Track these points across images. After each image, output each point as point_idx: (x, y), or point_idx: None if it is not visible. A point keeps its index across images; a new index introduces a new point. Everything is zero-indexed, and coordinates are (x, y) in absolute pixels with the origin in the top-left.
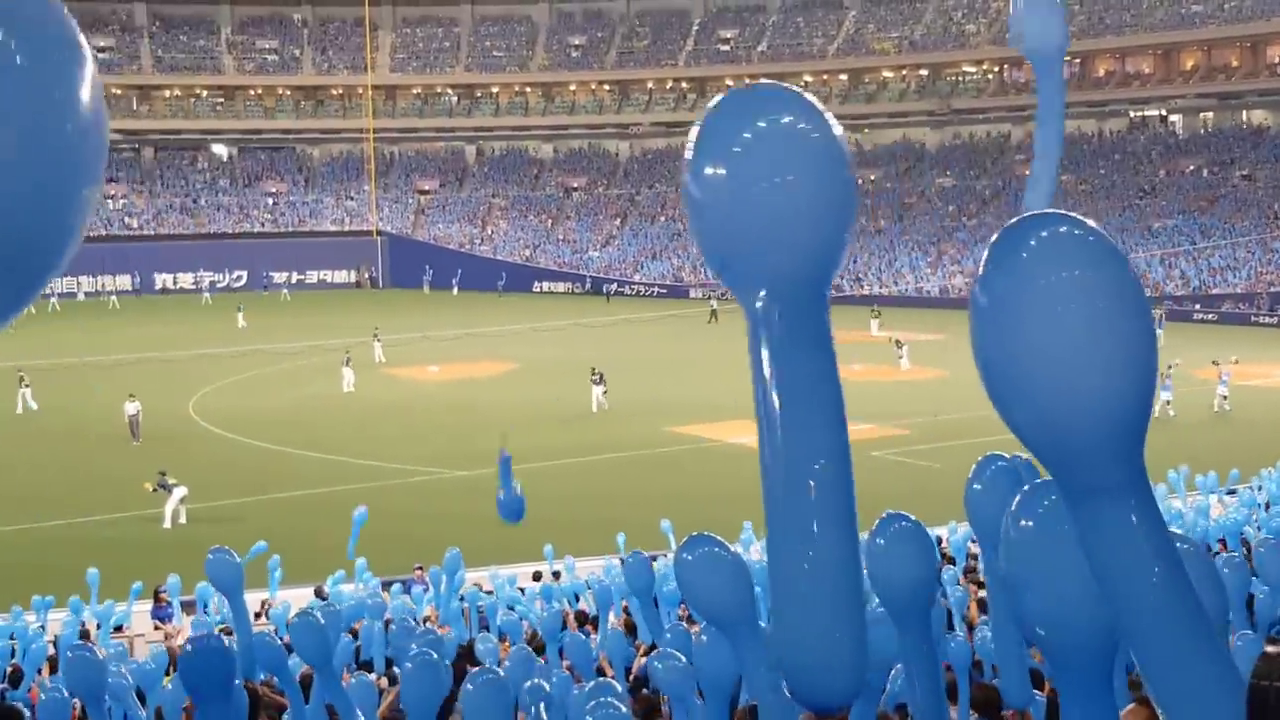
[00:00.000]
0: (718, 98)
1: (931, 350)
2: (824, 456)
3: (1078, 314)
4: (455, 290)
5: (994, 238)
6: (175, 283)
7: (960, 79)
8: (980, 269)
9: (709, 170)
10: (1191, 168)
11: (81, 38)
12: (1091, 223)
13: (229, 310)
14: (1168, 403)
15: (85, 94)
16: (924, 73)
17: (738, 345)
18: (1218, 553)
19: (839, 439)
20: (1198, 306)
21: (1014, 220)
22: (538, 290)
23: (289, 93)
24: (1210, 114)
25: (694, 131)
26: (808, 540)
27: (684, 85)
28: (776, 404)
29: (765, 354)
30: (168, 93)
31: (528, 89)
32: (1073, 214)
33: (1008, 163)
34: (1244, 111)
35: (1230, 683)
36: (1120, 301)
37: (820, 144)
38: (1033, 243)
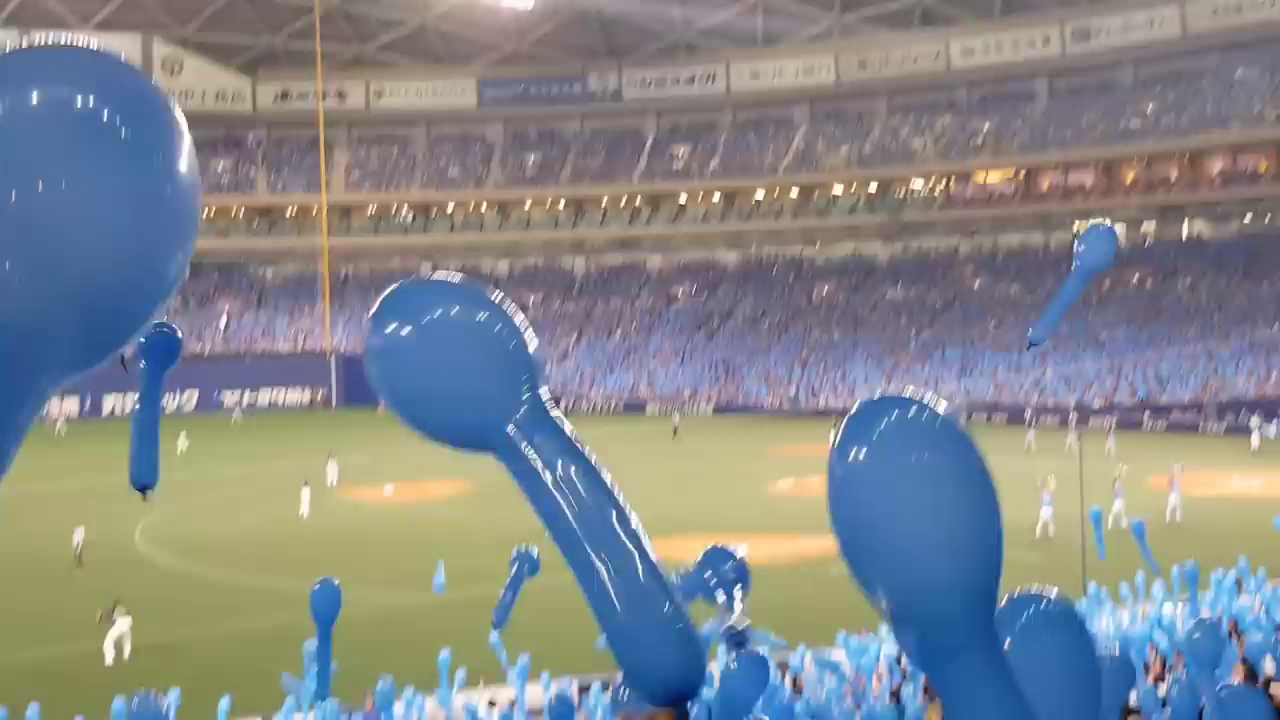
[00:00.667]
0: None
1: None
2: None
3: (924, 494)
4: None
5: (850, 413)
6: (124, 406)
7: (910, 194)
8: (835, 442)
9: (398, 336)
10: (1136, 278)
11: (179, 115)
12: (942, 405)
13: (176, 433)
14: (1119, 514)
15: (183, 165)
16: (873, 188)
17: (701, 462)
18: (1172, 666)
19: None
20: (1146, 416)
21: (869, 399)
22: None
23: (243, 212)
24: (1152, 226)
25: (386, 299)
26: (602, 578)
27: (638, 201)
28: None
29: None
30: None
31: (483, 206)
32: (924, 397)
33: (958, 275)
34: (1185, 223)
35: None
36: (964, 482)
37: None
38: (884, 425)
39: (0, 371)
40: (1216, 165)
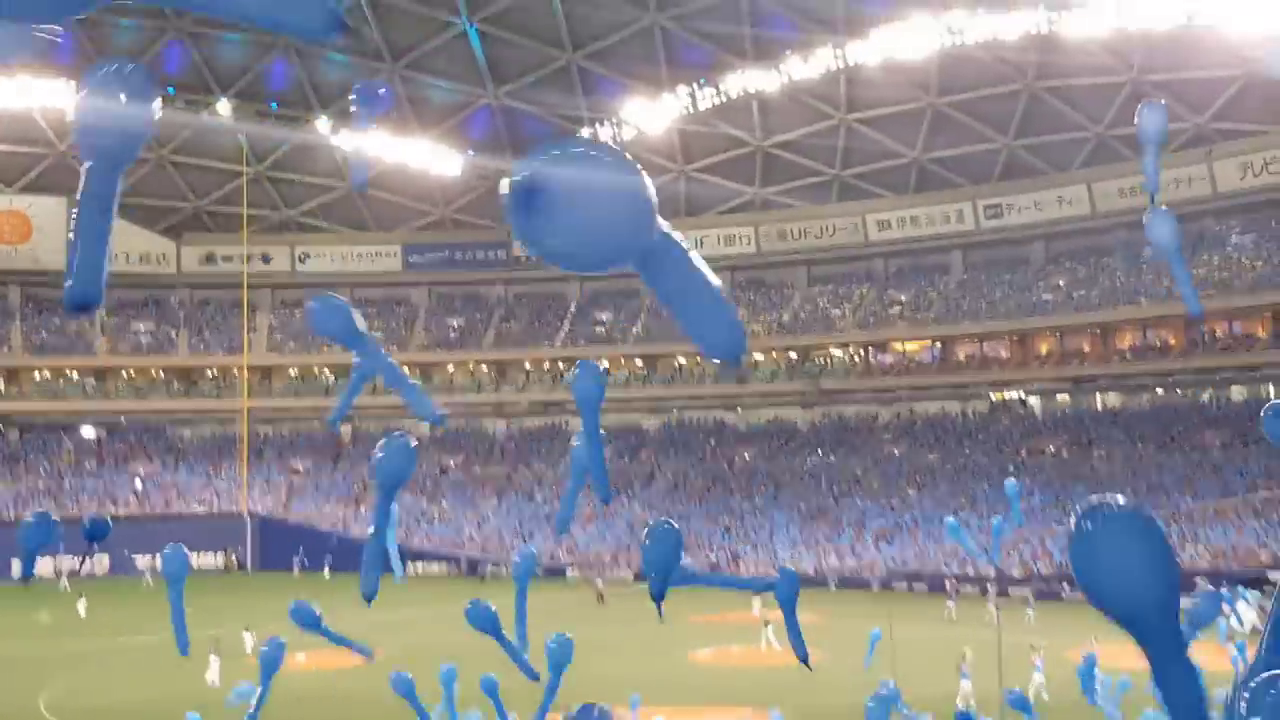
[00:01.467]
0: None
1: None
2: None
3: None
4: (327, 573)
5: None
6: (12, 571)
7: (829, 361)
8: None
9: None
10: (1051, 448)
11: None
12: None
13: (76, 598)
14: (1041, 685)
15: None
16: (794, 355)
17: (628, 628)
18: None
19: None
20: (1065, 586)
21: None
22: (412, 573)
23: (162, 374)
24: (1066, 396)
25: None
26: None
27: (561, 365)
28: None
29: None
30: (37, 374)
31: (405, 369)
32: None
33: (877, 442)
34: (1097, 394)
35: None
36: (613, 168)
37: None
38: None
39: None
40: (1127, 339)
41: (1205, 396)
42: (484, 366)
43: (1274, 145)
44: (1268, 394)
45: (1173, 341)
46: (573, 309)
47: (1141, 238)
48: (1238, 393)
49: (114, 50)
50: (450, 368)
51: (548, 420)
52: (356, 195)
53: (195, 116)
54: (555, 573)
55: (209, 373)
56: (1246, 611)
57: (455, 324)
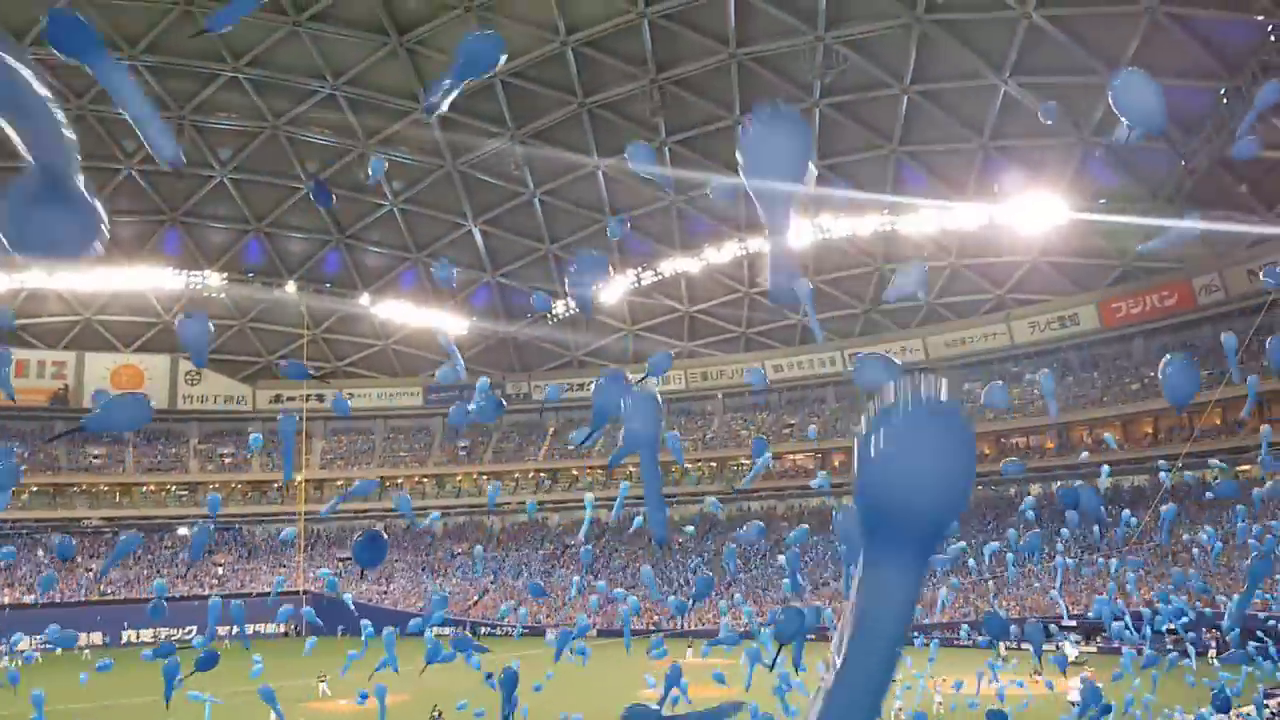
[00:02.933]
0: None
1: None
2: None
3: None
4: (364, 637)
5: None
6: (138, 636)
7: (740, 468)
8: None
9: None
10: None
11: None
12: None
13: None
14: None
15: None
16: (714, 464)
17: (593, 674)
18: None
19: None
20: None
21: None
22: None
23: (240, 486)
24: None
25: None
26: None
27: (542, 474)
28: None
29: None
30: (145, 489)
31: (425, 479)
32: None
33: (776, 527)
34: None
35: None
36: None
37: None
38: None
39: None
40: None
41: (1012, 490)
42: (484, 477)
43: (1052, 310)
44: (1055, 489)
45: (987, 451)
46: (550, 433)
47: (961, 376)
48: (1034, 489)
49: (209, 247)
50: (459, 477)
51: (532, 517)
52: (390, 349)
53: (269, 293)
54: (537, 633)
55: (275, 485)
56: (1070, 649)
57: (463, 445)
